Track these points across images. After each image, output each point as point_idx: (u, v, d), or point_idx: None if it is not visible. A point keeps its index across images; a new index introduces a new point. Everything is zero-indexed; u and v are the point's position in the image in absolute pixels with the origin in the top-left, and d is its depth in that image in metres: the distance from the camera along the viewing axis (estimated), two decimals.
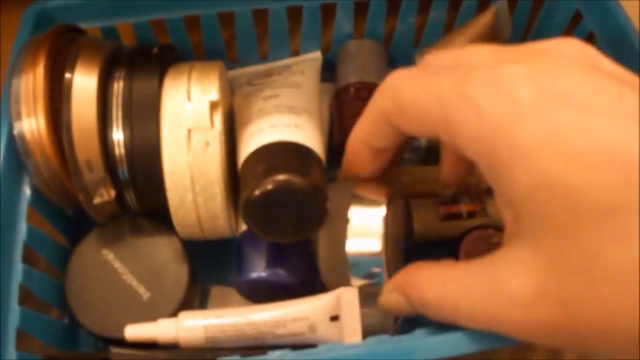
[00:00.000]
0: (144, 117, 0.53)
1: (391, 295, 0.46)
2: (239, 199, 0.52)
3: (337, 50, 0.70)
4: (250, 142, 0.54)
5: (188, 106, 0.52)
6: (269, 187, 0.50)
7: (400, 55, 0.72)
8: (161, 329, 0.52)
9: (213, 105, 0.52)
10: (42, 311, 0.56)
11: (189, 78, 0.54)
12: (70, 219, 0.63)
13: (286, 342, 0.52)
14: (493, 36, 0.69)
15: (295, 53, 0.70)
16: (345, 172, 0.52)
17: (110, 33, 0.65)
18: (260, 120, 0.55)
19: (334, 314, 0.51)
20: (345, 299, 0.51)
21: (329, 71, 0.69)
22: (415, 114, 0.42)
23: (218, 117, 0.52)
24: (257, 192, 0.50)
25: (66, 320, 0.59)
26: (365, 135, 0.48)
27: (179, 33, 0.66)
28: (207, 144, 0.51)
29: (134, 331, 0.53)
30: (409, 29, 0.70)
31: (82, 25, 0.62)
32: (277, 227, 0.53)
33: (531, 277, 0.37)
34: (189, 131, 0.52)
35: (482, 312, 0.40)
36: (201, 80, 0.54)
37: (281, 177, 0.50)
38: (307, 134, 0.54)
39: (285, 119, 0.55)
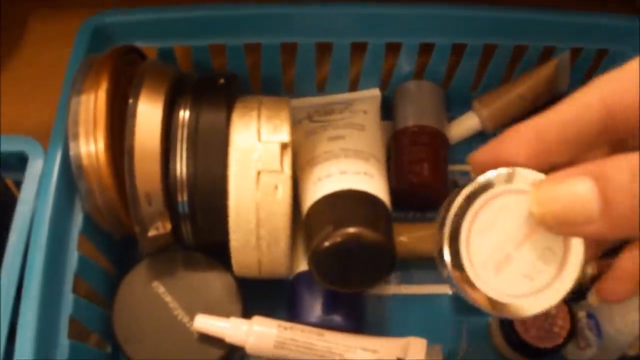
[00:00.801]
0: (210, 151, 0.51)
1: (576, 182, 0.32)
2: (307, 247, 0.51)
3: (395, 89, 0.69)
4: (318, 187, 0.53)
5: (258, 146, 0.51)
6: (339, 239, 0.49)
7: (457, 98, 0.70)
8: (232, 328, 0.52)
9: (284, 147, 0.51)
10: (86, 340, 0.54)
11: (259, 115, 0.52)
12: (117, 244, 0.61)
13: None
14: (551, 88, 0.68)
15: (353, 87, 0.69)
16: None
17: (166, 54, 0.63)
18: (328, 164, 0.54)
19: (401, 357, 0.52)
20: (414, 347, 0.52)
21: (386, 109, 0.68)
22: None
23: (288, 160, 0.51)
24: (326, 244, 0.49)
25: (109, 350, 0.58)
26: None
27: (237, 58, 0.64)
28: (276, 187, 0.50)
29: (204, 322, 0.52)
30: (469, 74, 0.69)
31: (139, 44, 0.60)
32: (343, 278, 0.52)
33: None
34: (259, 173, 0.50)
35: None
36: (272, 119, 0.52)
37: (351, 229, 0.49)
38: (376, 183, 0.53)
39: (354, 166, 0.54)
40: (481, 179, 0.35)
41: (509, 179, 0.35)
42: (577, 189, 0.31)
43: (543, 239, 0.34)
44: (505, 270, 0.35)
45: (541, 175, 0.34)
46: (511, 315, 0.35)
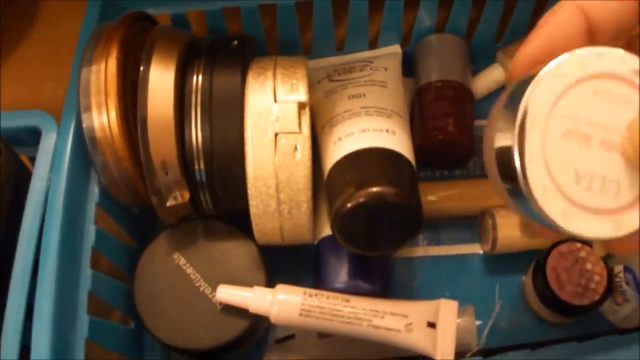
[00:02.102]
0: (226, 115, 0.50)
1: None
2: (329, 210, 0.49)
3: (416, 44, 0.66)
4: (339, 146, 0.51)
5: (274, 107, 0.49)
6: (362, 200, 0.47)
7: (480, 51, 0.68)
8: (255, 298, 0.51)
9: (301, 107, 0.49)
10: (108, 316, 0.53)
11: (274, 75, 0.50)
12: (135, 216, 0.59)
13: (380, 335, 0.50)
14: None
15: (372, 45, 0.67)
16: None
17: (180, 20, 0.62)
18: (348, 123, 0.52)
19: (431, 320, 0.50)
20: (445, 309, 0.50)
21: (407, 66, 0.65)
22: None
23: (306, 120, 0.49)
24: (349, 205, 0.47)
25: (132, 325, 0.56)
26: None
27: (252, 21, 0.62)
28: (295, 149, 0.48)
29: (227, 292, 0.51)
30: (491, 25, 0.66)
31: (151, 11, 0.59)
32: (368, 240, 0.50)
33: None
34: (276, 135, 0.48)
35: None
36: (288, 78, 0.50)
37: (375, 189, 0.47)
38: (399, 140, 0.51)
39: (376, 123, 0.52)
40: (554, 62, 0.29)
41: (596, 59, 0.29)
42: None
43: None
44: (588, 178, 0.29)
45: (635, 59, 0.29)
46: (584, 235, 0.30)
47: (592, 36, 0.32)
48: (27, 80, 0.73)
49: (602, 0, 0.32)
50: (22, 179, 0.53)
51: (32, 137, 0.54)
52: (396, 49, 0.65)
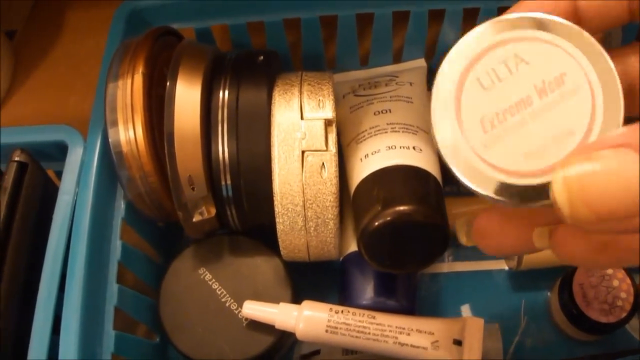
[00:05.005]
0: (252, 130, 0.50)
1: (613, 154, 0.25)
2: (356, 228, 0.49)
3: (440, 58, 0.66)
4: (365, 164, 0.51)
5: (301, 124, 0.49)
6: (389, 218, 0.47)
7: None
8: (281, 314, 0.51)
9: (328, 124, 0.49)
10: (133, 330, 0.53)
11: (301, 92, 0.50)
12: (160, 230, 0.59)
13: (406, 353, 0.50)
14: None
15: (396, 59, 0.67)
16: None
17: (204, 35, 0.62)
18: (374, 139, 0.52)
19: (458, 338, 0.50)
20: (471, 327, 0.50)
21: (430, 79, 0.65)
22: None
23: (333, 137, 0.49)
24: (376, 224, 0.47)
25: (157, 340, 0.57)
26: None
27: (276, 35, 0.62)
28: (322, 167, 0.48)
29: (253, 308, 0.51)
30: None
31: (175, 26, 0.59)
32: (395, 259, 0.50)
33: None
34: (303, 152, 0.48)
35: None
36: (314, 95, 0.50)
37: (402, 208, 0.47)
38: (426, 157, 0.51)
39: (402, 140, 0.52)
40: (500, 18, 0.29)
41: (538, 25, 0.29)
42: (623, 165, 0.24)
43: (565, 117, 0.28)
44: (505, 140, 0.28)
45: (577, 28, 0.29)
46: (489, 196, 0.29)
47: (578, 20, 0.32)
48: (51, 94, 0.74)
49: None
50: (48, 193, 0.54)
51: (58, 151, 0.54)
52: (421, 62, 0.65)
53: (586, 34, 0.28)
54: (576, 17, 0.32)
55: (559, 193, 0.25)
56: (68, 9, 0.80)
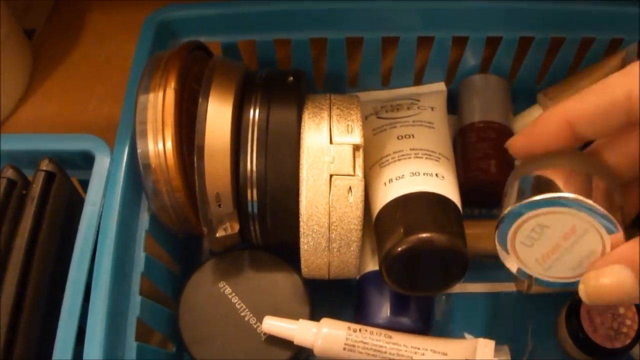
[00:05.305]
0: (281, 150, 0.50)
1: (613, 271, 0.37)
2: (378, 251, 0.50)
3: (460, 82, 0.67)
4: (390, 188, 0.52)
5: (330, 149, 0.50)
6: (411, 245, 0.48)
7: (522, 92, 0.68)
8: (301, 330, 0.52)
9: (356, 149, 0.50)
10: (148, 340, 0.54)
11: (330, 116, 0.51)
12: (181, 243, 0.60)
13: None
14: None
15: (417, 80, 0.68)
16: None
17: (231, 49, 0.63)
18: (398, 164, 0.53)
19: (470, 358, 0.52)
20: (482, 348, 0.52)
21: (449, 102, 0.66)
22: None
23: (360, 162, 0.50)
24: (399, 249, 0.48)
25: (173, 350, 0.57)
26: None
27: (302, 53, 0.64)
28: (349, 191, 0.49)
29: (272, 324, 0.52)
30: (534, 67, 0.67)
31: (203, 39, 0.60)
32: (415, 282, 0.51)
33: None
34: (331, 176, 0.49)
35: None
36: (343, 120, 0.51)
37: (424, 235, 0.49)
38: (447, 184, 0.52)
39: (426, 167, 0.53)
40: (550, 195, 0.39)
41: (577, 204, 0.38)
42: (621, 279, 0.37)
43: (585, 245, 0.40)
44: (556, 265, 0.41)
45: (573, 196, 0.38)
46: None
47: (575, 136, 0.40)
48: (71, 97, 0.74)
49: (583, 106, 0.39)
50: (74, 202, 0.54)
51: (82, 159, 0.55)
52: (441, 86, 0.66)
53: (581, 198, 0.38)
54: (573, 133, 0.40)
55: (581, 293, 0.39)
56: (88, 11, 0.80)
